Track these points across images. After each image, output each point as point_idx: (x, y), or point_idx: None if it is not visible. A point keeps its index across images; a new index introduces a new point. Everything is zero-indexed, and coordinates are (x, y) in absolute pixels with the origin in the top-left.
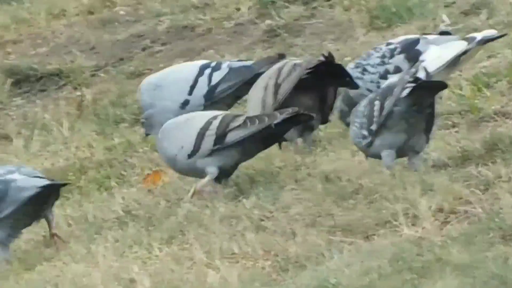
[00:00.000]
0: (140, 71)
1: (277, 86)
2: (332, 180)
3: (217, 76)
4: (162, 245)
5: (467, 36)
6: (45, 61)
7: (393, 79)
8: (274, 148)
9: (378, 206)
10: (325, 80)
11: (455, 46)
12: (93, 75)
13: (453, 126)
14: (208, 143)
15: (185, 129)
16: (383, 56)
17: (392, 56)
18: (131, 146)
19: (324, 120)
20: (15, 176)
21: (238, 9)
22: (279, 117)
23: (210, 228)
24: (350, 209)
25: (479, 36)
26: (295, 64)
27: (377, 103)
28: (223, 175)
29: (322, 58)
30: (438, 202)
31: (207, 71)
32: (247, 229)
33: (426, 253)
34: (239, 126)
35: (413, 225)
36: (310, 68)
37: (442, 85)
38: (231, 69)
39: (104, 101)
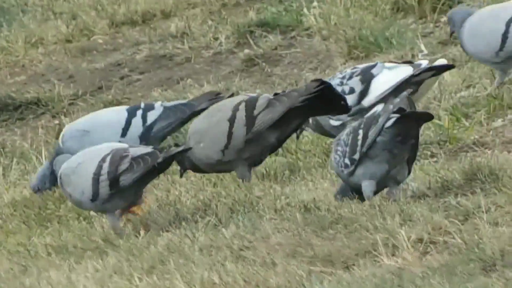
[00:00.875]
0: (118, 100)
1: (251, 118)
2: (311, 210)
3: (152, 116)
4: (143, 275)
5: (415, 63)
6: (23, 89)
7: (377, 108)
8: (254, 177)
9: (358, 236)
10: (315, 108)
11: (402, 71)
12: (71, 104)
13: (432, 156)
14: (104, 188)
15: (80, 174)
16: (343, 78)
17: (350, 78)
18: None
19: (274, 151)
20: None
21: (216, 39)
22: (161, 156)
23: (190, 258)
24: (330, 239)
25: (426, 63)
26: (275, 96)
27: (360, 132)
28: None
29: (315, 85)
30: (417, 232)
31: (139, 112)
32: (227, 259)
33: (407, 284)
34: (127, 169)
35: (393, 255)
36: (306, 95)
37: (428, 116)
38: (166, 108)
39: None
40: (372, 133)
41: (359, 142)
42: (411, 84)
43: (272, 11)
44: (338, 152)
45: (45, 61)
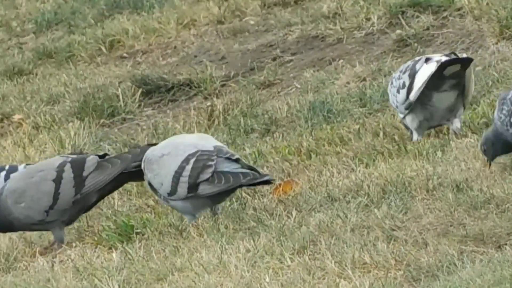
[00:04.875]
0: (270, 81)
1: (80, 178)
2: (463, 190)
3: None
4: (294, 255)
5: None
6: (175, 71)
7: None
8: (406, 157)
9: (510, 215)
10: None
11: (430, 66)
12: (223, 85)
13: None
14: (182, 189)
15: (162, 166)
16: (401, 71)
17: (405, 72)
18: (262, 156)
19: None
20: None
21: (368, 19)
22: (246, 180)
23: (341, 238)
24: (481, 218)
25: (443, 58)
26: (108, 158)
27: None
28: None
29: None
30: None
31: (3, 173)
32: (379, 239)
33: None
34: (207, 180)
35: None
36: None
37: None
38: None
39: (235, 111)
40: None
41: None
42: (448, 78)
43: None
44: (504, 111)
45: (197, 42)
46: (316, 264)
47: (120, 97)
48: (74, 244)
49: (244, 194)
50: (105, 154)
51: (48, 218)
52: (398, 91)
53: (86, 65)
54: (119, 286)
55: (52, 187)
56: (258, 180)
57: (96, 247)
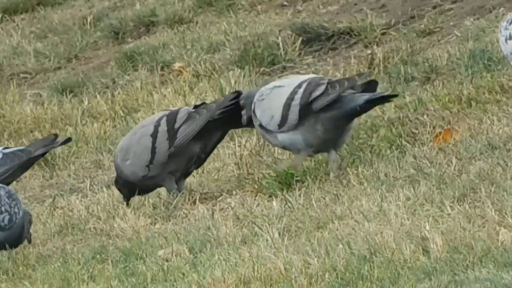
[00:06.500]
0: (430, 29)
1: (173, 131)
2: None
3: None
4: (454, 203)
5: None
6: (336, 19)
7: None
8: None
9: None
10: (234, 119)
11: None
12: (383, 33)
13: None
14: (293, 114)
15: (273, 98)
16: (507, 21)
17: (511, 22)
18: (422, 104)
19: (201, 164)
20: None
21: None
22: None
23: (502, 186)
24: None
25: None
26: (195, 108)
27: None
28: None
29: (232, 97)
30: None
31: None
32: None
33: None
34: (322, 94)
35: None
36: (224, 108)
37: None
38: (4, 154)
39: (395, 59)
40: None
41: None
42: None
43: None
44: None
45: None
46: (476, 212)
47: (280, 45)
48: (234, 192)
49: (404, 142)
50: (204, 103)
51: (150, 173)
52: (506, 41)
53: (246, 13)
54: (279, 234)
55: (150, 141)
56: (376, 96)
57: (256, 195)
